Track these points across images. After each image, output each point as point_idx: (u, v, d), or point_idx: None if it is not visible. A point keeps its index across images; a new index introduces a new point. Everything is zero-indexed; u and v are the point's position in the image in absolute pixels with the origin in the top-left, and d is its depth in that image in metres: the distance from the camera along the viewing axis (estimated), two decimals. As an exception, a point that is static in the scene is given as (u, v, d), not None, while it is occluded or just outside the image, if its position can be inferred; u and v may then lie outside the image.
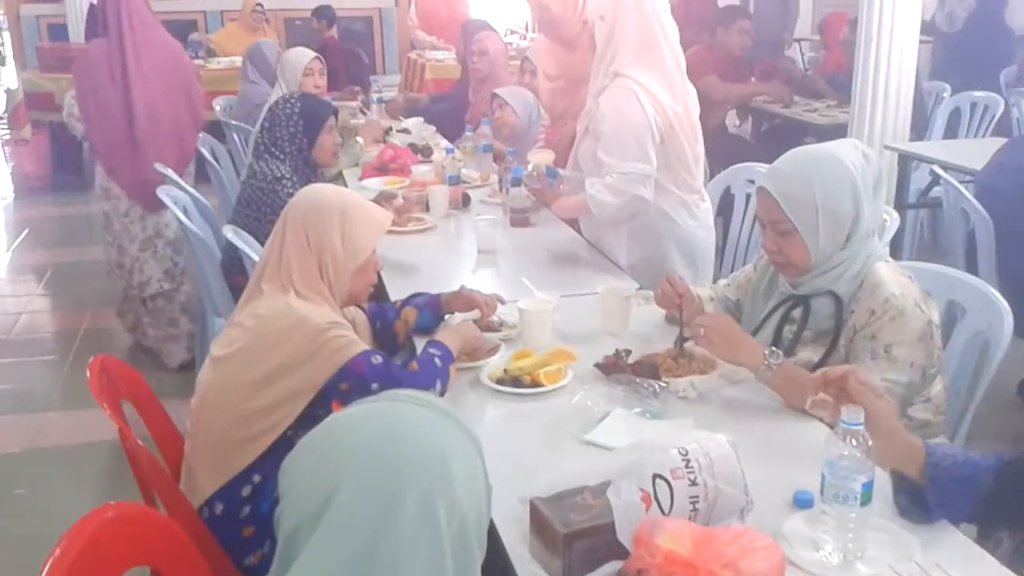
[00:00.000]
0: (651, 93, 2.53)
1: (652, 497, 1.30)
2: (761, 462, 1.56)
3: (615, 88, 2.57)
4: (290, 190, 2.89)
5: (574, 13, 2.89)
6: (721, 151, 5.03)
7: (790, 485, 1.50)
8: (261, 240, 2.86)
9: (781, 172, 1.91)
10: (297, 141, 3.04)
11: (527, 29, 9.26)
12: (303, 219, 1.89)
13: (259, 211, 2.96)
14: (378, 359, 1.83)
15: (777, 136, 5.59)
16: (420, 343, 2.09)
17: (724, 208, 3.38)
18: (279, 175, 2.96)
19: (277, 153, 3.02)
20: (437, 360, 1.90)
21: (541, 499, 1.38)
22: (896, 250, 4.52)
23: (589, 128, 2.65)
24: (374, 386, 1.78)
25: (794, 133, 5.26)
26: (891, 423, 1.49)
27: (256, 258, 2.61)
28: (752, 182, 3.26)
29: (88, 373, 1.81)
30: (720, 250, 3.15)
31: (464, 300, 2.20)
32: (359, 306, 2.13)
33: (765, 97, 5.82)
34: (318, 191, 1.99)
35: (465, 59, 5.16)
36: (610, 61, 2.59)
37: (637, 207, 2.59)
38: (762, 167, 3.24)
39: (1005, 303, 2.07)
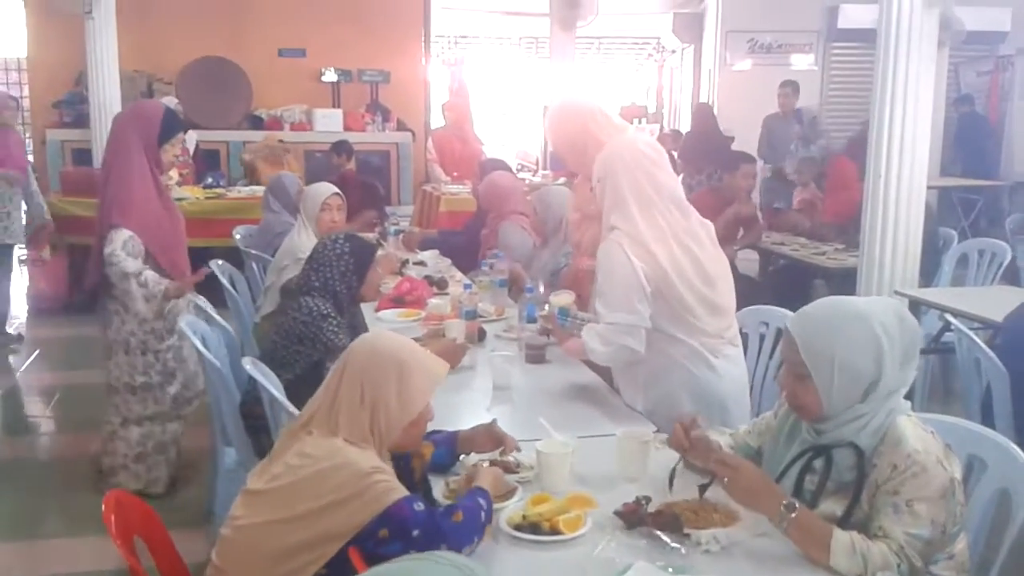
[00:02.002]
0: (642, 245, 2.60)
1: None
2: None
3: (607, 241, 2.67)
4: (334, 327, 3.05)
5: (588, 158, 2.99)
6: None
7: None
8: (294, 370, 3.01)
9: (808, 317, 1.96)
10: (347, 279, 3.19)
11: (538, 164, 9.54)
12: (361, 370, 1.91)
13: (300, 343, 3.06)
14: (420, 506, 1.81)
15: (786, 277, 5.67)
16: (434, 481, 2.06)
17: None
18: (325, 312, 3.08)
19: (322, 291, 3.14)
20: (483, 514, 1.87)
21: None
22: (909, 397, 4.51)
23: (597, 277, 2.74)
24: (415, 533, 1.76)
25: (803, 275, 5.34)
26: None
27: (275, 393, 2.63)
28: (767, 324, 3.28)
29: (103, 507, 1.80)
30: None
31: (487, 437, 2.19)
32: None
33: (775, 237, 5.94)
34: (378, 340, 2.01)
35: (479, 194, 5.30)
36: (607, 214, 2.71)
37: (626, 356, 2.64)
38: (776, 310, 3.28)
39: (1027, 458, 2.06)
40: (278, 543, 1.75)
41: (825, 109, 9.57)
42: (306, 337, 3.05)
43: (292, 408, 2.56)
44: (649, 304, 2.60)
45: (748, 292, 4.90)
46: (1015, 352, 3.17)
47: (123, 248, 3.60)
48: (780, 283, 5.60)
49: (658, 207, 2.65)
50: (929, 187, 4.86)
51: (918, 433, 1.87)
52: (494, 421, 2.25)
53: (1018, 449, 2.10)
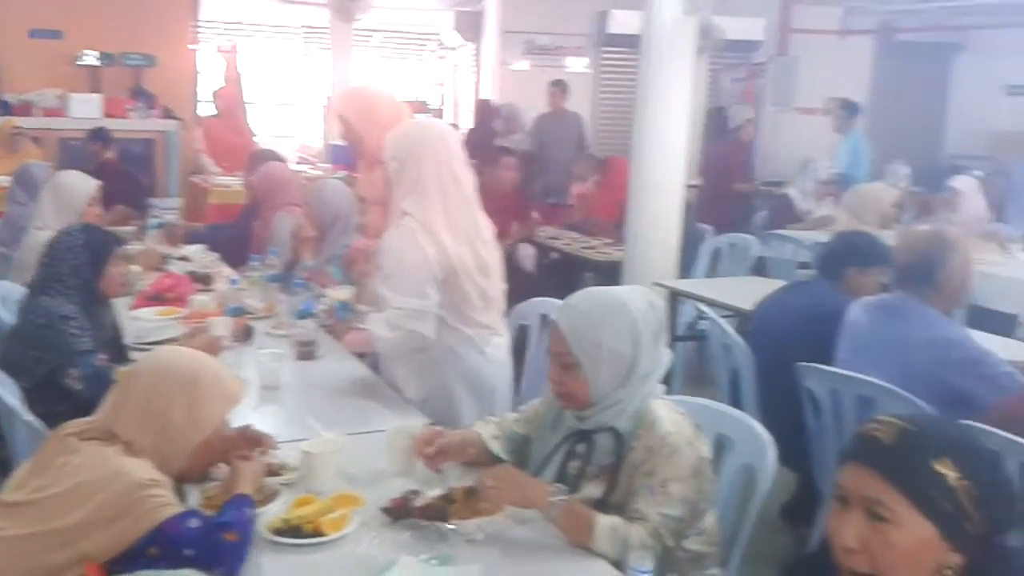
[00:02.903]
0: (433, 235, 2.58)
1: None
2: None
3: (398, 227, 2.62)
4: (75, 329, 2.77)
5: (374, 134, 2.94)
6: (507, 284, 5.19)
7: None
8: (32, 377, 2.69)
9: (572, 308, 2.01)
10: (81, 274, 2.90)
11: (319, 157, 9.32)
12: (149, 386, 1.79)
13: (37, 347, 2.77)
14: (196, 523, 1.69)
15: (559, 270, 5.85)
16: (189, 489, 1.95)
17: (520, 343, 3.44)
18: (64, 312, 2.80)
19: (60, 288, 2.85)
20: (252, 527, 1.77)
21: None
22: (668, 382, 4.76)
23: (379, 262, 2.67)
24: (187, 552, 1.64)
25: (574, 268, 5.53)
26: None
27: (10, 402, 2.39)
28: (546, 316, 3.35)
29: None
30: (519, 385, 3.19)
31: (243, 440, 2.08)
32: None
33: (549, 232, 6.13)
34: (170, 355, 1.88)
35: (251, 186, 5.09)
36: (401, 198, 2.65)
37: (416, 342, 2.61)
38: (555, 302, 3.36)
39: (768, 435, 2.22)
40: (39, 559, 1.59)
41: (598, 111, 9.98)
42: (43, 341, 2.77)
43: (30, 418, 2.34)
44: (438, 291, 2.58)
45: (524, 285, 5.02)
46: (762, 337, 3.42)
47: None
48: (554, 276, 5.77)
49: (454, 201, 2.64)
50: (688, 186, 5.18)
51: (671, 415, 1.97)
52: (247, 427, 2.14)
53: (760, 427, 2.26)
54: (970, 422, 2.33)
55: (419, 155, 2.64)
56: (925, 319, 2.81)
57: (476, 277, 2.64)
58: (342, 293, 2.96)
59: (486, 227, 2.74)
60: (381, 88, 3.06)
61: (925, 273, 2.84)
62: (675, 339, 4.82)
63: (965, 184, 6.62)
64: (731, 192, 7.12)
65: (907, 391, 2.65)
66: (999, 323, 4.41)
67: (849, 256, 3.29)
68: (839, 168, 6.92)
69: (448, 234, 2.60)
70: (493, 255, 2.73)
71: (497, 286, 2.75)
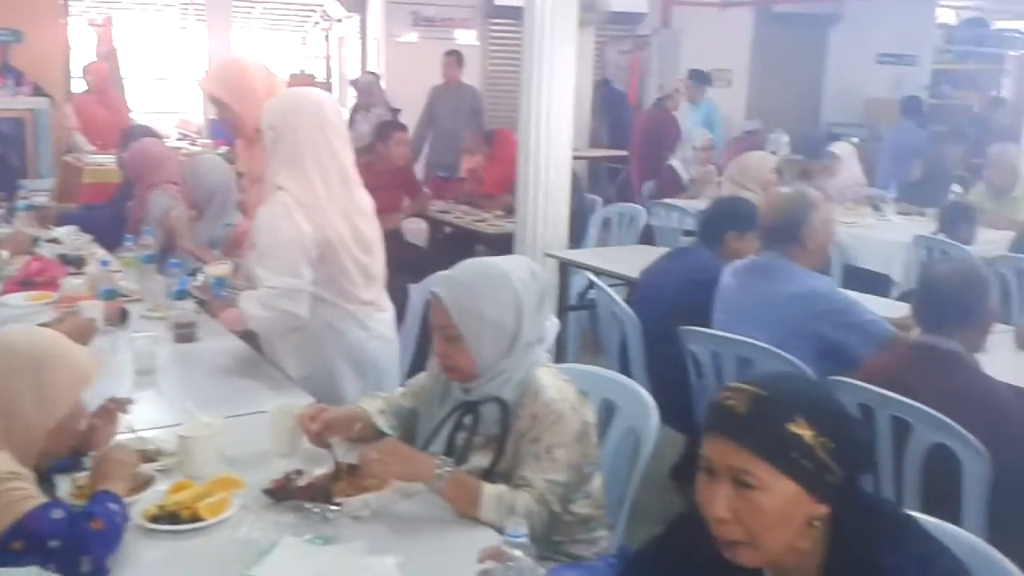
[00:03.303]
0: (309, 209, 2.51)
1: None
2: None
3: (272, 201, 2.54)
4: None
5: (249, 110, 2.84)
6: (396, 259, 5.14)
7: (463, 598, 1.49)
8: None
9: (453, 281, 1.99)
10: None
11: (199, 133, 9.02)
12: None
13: None
14: (60, 513, 1.61)
15: (451, 244, 5.83)
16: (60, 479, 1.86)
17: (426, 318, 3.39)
18: None
19: None
20: (118, 516, 1.69)
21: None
22: (562, 350, 4.83)
23: (253, 239, 2.59)
24: (53, 544, 1.56)
25: (466, 241, 5.52)
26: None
27: None
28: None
29: None
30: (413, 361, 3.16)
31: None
32: None
33: (440, 206, 6.09)
34: (10, 336, 1.76)
35: (124, 164, 4.89)
36: (275, 172, 2.56)
37: (290, 322, 2.55)
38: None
39: (651, 398, 2.26)
40: None
41: (487, 83, 9.93)
42: None
43: None
44: (313, 269, 2.52)
45: (417, 260, 4.99)
46: (646, 304, 3.48)
47: None
48: (447, 250, 5.74)
49: (332, 174, 2.57)
50: (579, 158, 5.21)
51: (555, 383, 1.98)
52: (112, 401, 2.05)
53: (645, 392, 2.30)
54: (844, 378, 2.44)
55: (295, 125, 2.55)
56: (791, 275, 2.92)
57: (356, 252, 2.59)
58: (219, 269, 2.87)
59: (366, 201, 2.68)
60: (252, 61, 2.95)
61: (790, 232, 2.94)
62: (567, 309, 4.87)
63: (843, 150, 6.88)
64: (663, 162, 7.17)
65: (783, 347, 2.74)
66: (872, 282, 4.61)
67: (726, 221, 3.38)
68: (709, 134, 7.06)
69: (326, 209, 2.53)
70: (373, 230, 2.68)
71: (379, 261, 2.71)
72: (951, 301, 2.35)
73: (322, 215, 2.52)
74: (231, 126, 3.07)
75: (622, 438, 2.28)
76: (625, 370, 3.43)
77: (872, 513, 1.31)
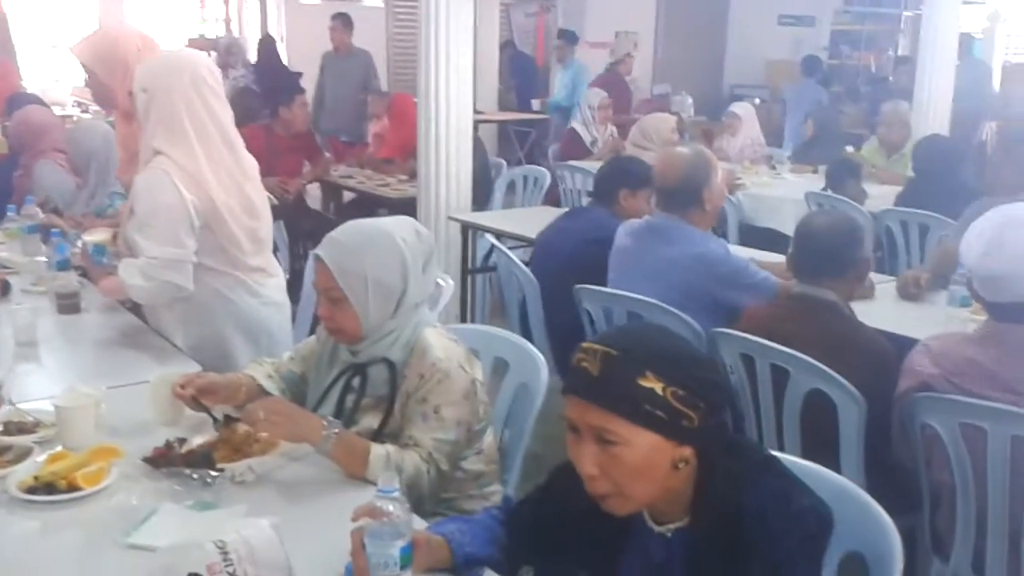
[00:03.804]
0: (191, 175, 2.45)
1: (187, 598, 1.23)
2: (316, 539, 1.57)
3: (151, 168, 2.46)
4: None
5: (125, 79, 2.74)
6: (300, 226, 5.08)
7: (344, 557, 1.49)
8: None
9: (336, 243, 1.97)
10: None
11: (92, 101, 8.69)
12: None
13: None
14: None
15: (354, 210, 5.77)
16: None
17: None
18: None
19: None
20: None
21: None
22: (469, 313, 4.85)
23: (132, 207, 2.51)
24: None
25: (370, 206, 5.47)
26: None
27: None
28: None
29: None
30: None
31: None
32: None
33: (343, 171, 6.01)
34: None
35: (8, 133, 4.69)
36: (151, 136, 2.48)
37: (172, 292, 2.49)
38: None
39: (539, 354, 2.28)
40: None
41: (392, 47, 9.81)
42: None
43: None
44: (196, 238, 2.47)
45: (318, 226, 4.92)
46: (544, 263, 3.51)
47: None
48: (350, 216, 5.66)
49: (212, 139, 2.49)
50: (487, 121, 5.20)
51: (442, 342, 1.99)
52: None
53: (534, 348, 2.33)
54: (726, 329, 2.52)
55: (168, 86, 2.46)
56: (688, 238, 2.97)
57: (244, 218, 2.54)
58: (97, 235, 2.78)
59: (250, 165, 2.62)
60: (127, 30, 2.82)
61: (691, 195, 2.98)
62: (471, 272, 4.89)
63: (743, 110, 7.02)
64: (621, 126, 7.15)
65: (677, 307, 2.80)
66: (768, 239, 4.74)
67: (619, 180, 3.42)
68: (604, 93, 7.10)
69: (209, 174, 2.47)
70: (260, 194, 2.62)
71: (266, 226, 2.65)
72: (826, 252, 2.43)
73: (205, 182, 2.45)
74: (99, 97, 2.95)
75: (515, 394, 2.31)
76: (526, 330, 3.47)
77: (735, 453, 1.36)
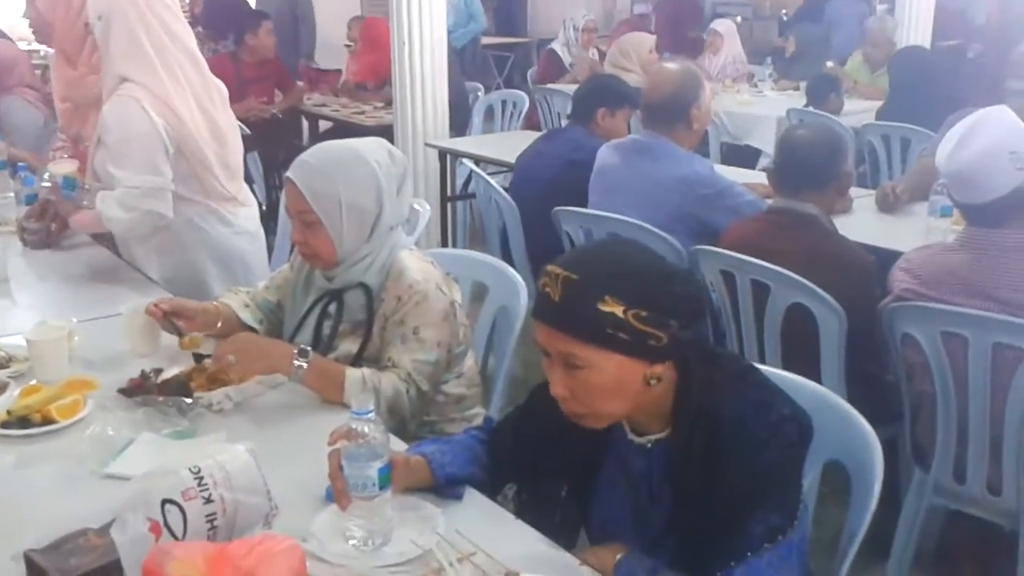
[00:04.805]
0: (160, 99, 2.38)
1: (162, 525, 1.21)
2: (294, 463, 1.56)
3: (119, 96, 2.39)
4: None
5: (69, 15, 2.62)
6: (274, 156, 5.01)
7: (323, 481, 1.49)
8: None
9: (307, 165, 1.93)
10: None
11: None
12: None
13: None
14: None
15: (330, 139, 5.67)
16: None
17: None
18: None
19: None
20: None
21: (36, 551, 1.23)
22: (448, 241, 4.82)
23: (101, 138, 2.44)
24: None
25: (346, 134, 5.34)
26: None
27: None
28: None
29: None
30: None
31: None
32: None
33: (317, 99, 5.90)
34: None
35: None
36: (113, 63, 2.40)
37: (153, 221, 2.44)
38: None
39: (519, 277, 2.26)
40: None
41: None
42: None
43: None
44: (172, 165, 2.40)
45: (292, 156, 4.82)
46: (523, 187, 3.47)
47: None
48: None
49: (176, 58, 2.42)
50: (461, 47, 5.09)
51: (419, 264, 1.95)
52: None
53: (512, 270, 2.31)
54: (705, 247, 2.50)
55: (122, 9, 2.38)
56: (675, 157, 2.91)
57: (213, 144, 2.48)
58: (64, 166, 2.71)
59: (217, 89, 2.55)
60: None
61: (679, 112, 2.92)
62: (450, 199, 4.83)
63: (725, 28, 6.90)
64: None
65: (660, 227, 2.76)
66: (746, 157, 4.70)
67: (597, 98, 3.35)
68: (592, 16, 6.97)
69: (175, 97, 2.40)
70: (229, 119, 2.56)
71: (236, 153, 2.59)
72: (808, 164, 2.40)
73: (173, 104, 2.39)
74: (38, 30, 2.81)
75: (495, 317, 2.29)
76: (508, 256, 3.44)
77: (715, 364, 1.35)
